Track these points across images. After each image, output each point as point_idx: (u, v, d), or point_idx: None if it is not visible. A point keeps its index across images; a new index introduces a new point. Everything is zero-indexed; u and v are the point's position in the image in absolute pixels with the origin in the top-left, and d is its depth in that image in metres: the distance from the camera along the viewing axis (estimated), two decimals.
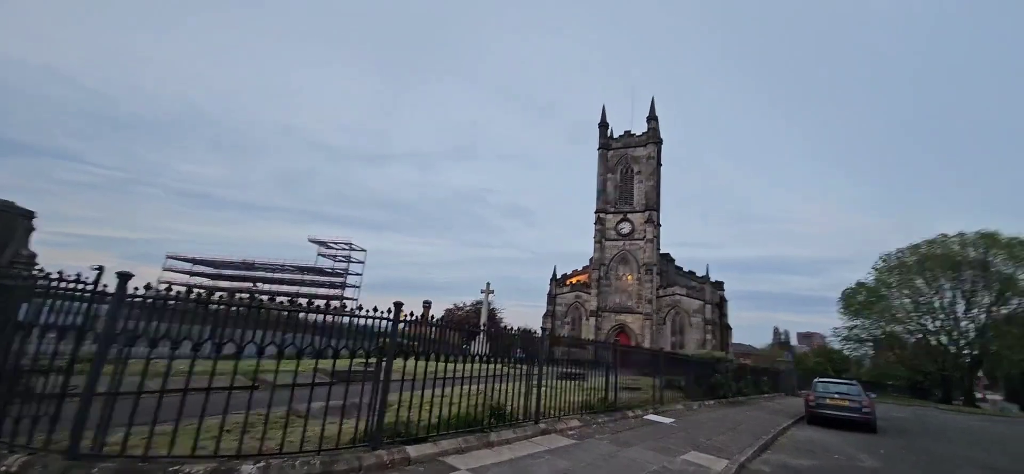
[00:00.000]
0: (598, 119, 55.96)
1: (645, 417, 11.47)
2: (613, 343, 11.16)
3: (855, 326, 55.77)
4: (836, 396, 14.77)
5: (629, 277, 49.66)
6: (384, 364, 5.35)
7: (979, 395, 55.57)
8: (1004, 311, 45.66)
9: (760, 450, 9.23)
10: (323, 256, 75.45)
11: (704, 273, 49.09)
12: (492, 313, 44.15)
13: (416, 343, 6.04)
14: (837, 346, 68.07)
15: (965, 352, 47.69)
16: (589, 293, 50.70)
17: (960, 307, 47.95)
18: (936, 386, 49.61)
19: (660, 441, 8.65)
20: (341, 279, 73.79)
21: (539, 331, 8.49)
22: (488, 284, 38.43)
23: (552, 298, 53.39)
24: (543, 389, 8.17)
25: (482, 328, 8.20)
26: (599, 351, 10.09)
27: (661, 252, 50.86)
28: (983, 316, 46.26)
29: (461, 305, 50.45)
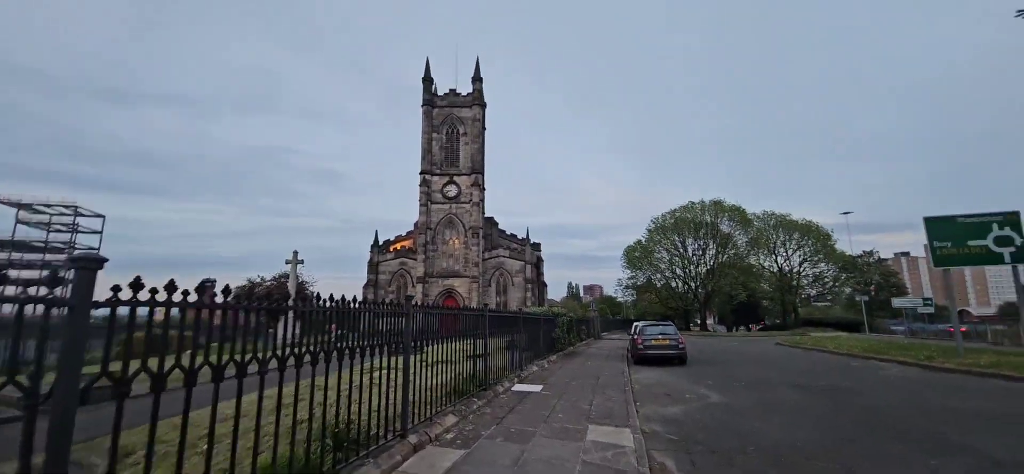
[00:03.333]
0: (421, 74, 52.35)
1: (513, 388, 10.00)
2: (485, 309, 9.15)
3: (633, 276, 68.82)
4: (659, 336, 16.27)
5: (456, 241, 48.86)
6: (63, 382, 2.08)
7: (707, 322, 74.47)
8: (722, 259, 61.80)
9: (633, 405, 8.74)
10: (27, 224, 52.40)
11: (524, 236, 51.93)
12: (302, 287, 37.45)
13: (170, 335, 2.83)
14: (615, 294, 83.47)
15: (699, 291, 63.18)
16: (415, 259, 48.08)
17: (697, 257, 63.16)
18: (679, 317, 64.09)
19: (550, 420, 7.17)
20: (65, 256, 52.60)
21: (400, 301, 5.81)
22: (296, 253, 32.11)
23: (374, 266, 48.84)
24: (411, 381, 5.59)
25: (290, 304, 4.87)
26: (467, 320, 7.96)
27: (486, 216, 51.53)
28: (711, 262, 61.78)
29: (258, 280, 41.45)
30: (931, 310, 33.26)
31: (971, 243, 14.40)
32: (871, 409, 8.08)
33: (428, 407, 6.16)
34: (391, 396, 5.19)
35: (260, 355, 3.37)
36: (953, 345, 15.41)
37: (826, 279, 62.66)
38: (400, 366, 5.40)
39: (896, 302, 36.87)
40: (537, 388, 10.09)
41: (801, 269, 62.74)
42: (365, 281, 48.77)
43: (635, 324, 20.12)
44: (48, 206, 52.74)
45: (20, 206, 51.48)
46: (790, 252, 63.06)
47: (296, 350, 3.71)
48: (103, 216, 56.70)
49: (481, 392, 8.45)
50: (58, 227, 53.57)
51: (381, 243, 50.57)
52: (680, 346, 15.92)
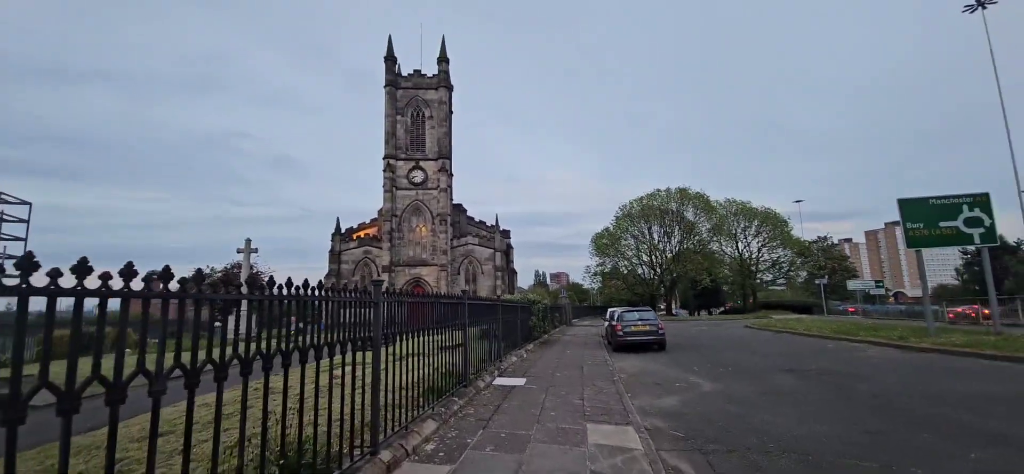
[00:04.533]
0: (383, 53, 49.81)
1: (495, 382, 9.10)
2: (465, 296, 8.15)
3: (601, 263, 69.40)
4: (638, 322, 15.80)
5: (423, 228, 47.21)
6: None
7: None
8: (687, 245, 63.11)
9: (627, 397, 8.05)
10: None
11: (493, 223, 50.89)
12: (256, 276, 35.00)
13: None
14: (582, 282, 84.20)
15: (665, 276, 64.38)
16: (380, 247, 46.10)
17: (662, 243, 64.27)
18: (645, 302, 65.00)
19: (543, 419, 6.32)
20: None
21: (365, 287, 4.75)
22: (248, 241, 29.82)
23: (336, 255, 46.49)
24: (382, 382, 4.55)
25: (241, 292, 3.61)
26: (444, 309, 6.94)
27: (454, 202, 50.07)
28: (676, 249, 62.99)
29: (207, 271, 38.44)
30: (882, 292, 34.98)
31: (942, 224, 14.71)
32: (879, 396, 7.70)
33: (403, 411, 5.14)
34: (358, 400, 4.15)
35: (217, 355, 2.61)
36: (917, 325, 15.77)
37: (783, 264, 65.29)
38: (369, 364, 4.35)
39: (850, 284, 38.60)
40: (520, 381, 9.23)
41: (760, 254, 65.06)
42: (326, 272, 46.39)
43: (612, 310, 19.66)
44: None
45: None
46: (750, 238, 65.24)
47: (258, 347, 2.91)
48: (29, 203, 51.03)
49: (461, 389, 7.49)
50: None
51: (343, 231, 48.16)
52: (659, 332, 15.52)
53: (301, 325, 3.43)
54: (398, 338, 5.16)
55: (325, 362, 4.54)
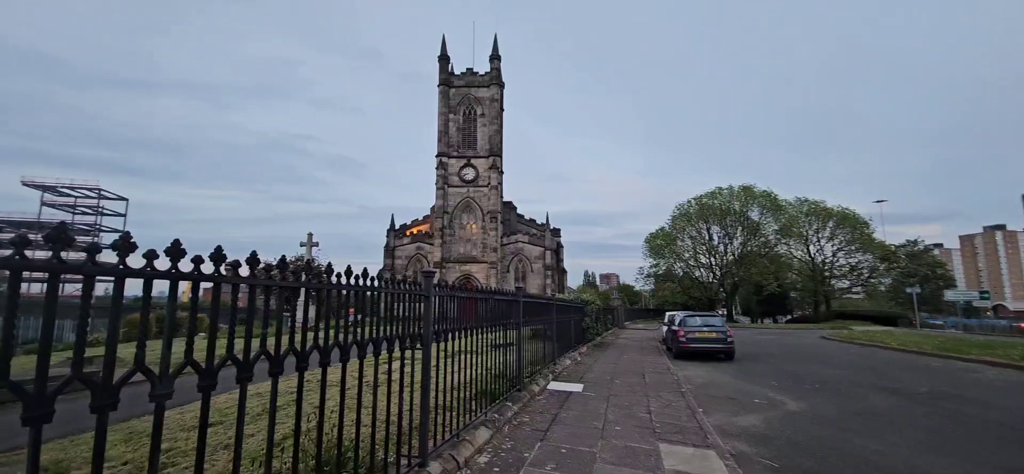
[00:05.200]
0: (437, 53, 50.63)
1: (549, 387, 8.53)
2: (519, 293, 7.64)
3: (655, 264, 66.60)
4: (705, 329, 14.57)
5: (473, 225, 47.48)
6: None
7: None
8: (750, 247, 58.99)
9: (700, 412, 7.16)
10: (52, 207, 52.96)
11: (543, 221, 50.25)
12: (317, 270, 36.68)
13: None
14: (633, 283, 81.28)
15: (726, 280, 60.62)
16: (432, 244, 46.90)
17: (723, 244, 60.51)
18: (702, 306, 61.61)
19: (607, 434, 5.65)
20: (90, 238, 53.03)
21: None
22: (310, 235, 31.28)
23: (390, 251, 47.89)
24: (430, 380, 4.11)
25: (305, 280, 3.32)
26: (497, 306, 6.44)
27: (504, 200, 49.96)
28: (739, 250, 59.08)
29: (271, 264, 40.88)
30: (987, 303, 30.53)
31: None
32: (1014, 428, 6.32)
33: (454, 416, 4.69)
34: (405, 402, 3.74)
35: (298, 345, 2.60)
36: None
37: (862, 270, 59.22)
38: (419, 363, 3.93)
39: (949, 295, 34.11)
40: (577, 388, 8.58)
41: (835, 259, 59.45)
42: (381, 266, 47.91)
43: (672, 314, 18.42)
44: (72, 189, 53.24)
45: (45, 188, 52.05)
46: (823, 241, 59.77)
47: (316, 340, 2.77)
48: (127, 199, 57.16)
49: (514, 393, 6.98)
50: (83, 209, 54.03)
51: (397, 227, 49.52)
52: (728, 339, 14.21)
53: (356, 318, 3.10)
54: (450, 336, 4.71)
55: (371, 359, 4.19)
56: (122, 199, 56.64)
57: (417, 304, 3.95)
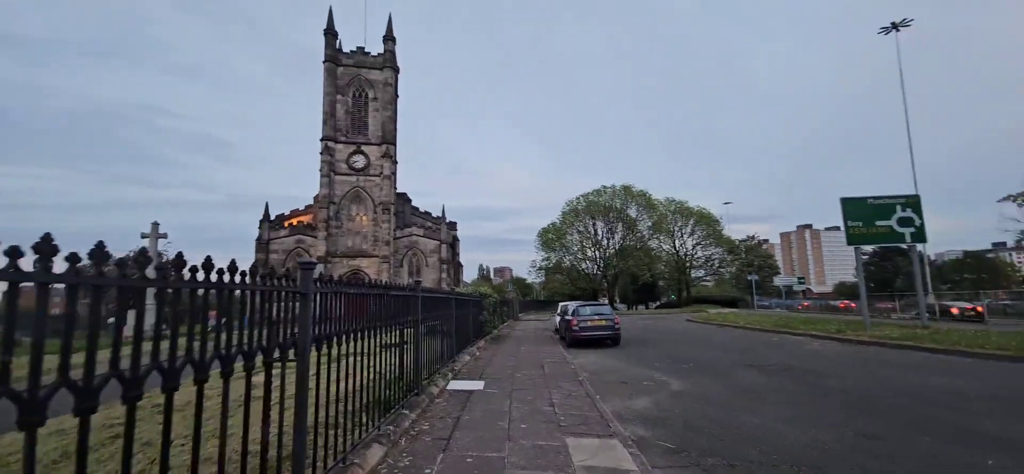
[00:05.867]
0: (323, 26, 46.09)
1: (449, 387, 7.97)
2: (418, 287, 6.91)
3: (546, 258, 69.75)
4: (595, 318, 15.28)
5: (363, 217, 44.38)
6: None
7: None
8: (628, 241, 64.98)
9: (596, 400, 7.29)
10: None
11: (439, 214, 49.07)
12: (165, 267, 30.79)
13: None
14: (526, 276, 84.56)
15: (608, 272, 65.96)
16: (315, 236, 42.70)
17: (606, 239, 65.75)
18: (587, 296, 66.19)
19: (513, 434, 5.32)
20: None
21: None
22: (156, 225, 26.16)
23: (264, 245, 42.44)
24: (308, 394, 3.28)
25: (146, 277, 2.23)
26: (393, 302, 5.68)
27: (398, 191, 47.62)
28: (619, 244, 64.68)
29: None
30: (805, 288, 37.81)
31: (878, 223, 15.57)
32: (852, 393, 7.50)
33: (340, 434, 3.89)
34: (278, 424, 2.89)
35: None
36: (842, 319, 16.52)
37: (714, 261, 69.25)
38: (295, 373, 3.09)
39: (777, 280, 41.46)
40: (479, 385, 8.17)
41: (694, 252, 68.53)
42: (252, 262, 42.21)
43: (565, 305, 19.09)
44: None
45: None
46: (685, 236, 68.47)
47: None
48: None
49: (412, 398, 6.29)
50: None
51: (273, 218, 44.07)
52: (615, 326, 15.11)
53: (219, 323, 2.19)
54: (335, 339, 3.88)
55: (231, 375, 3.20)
56: None
57: (291, 303, 3.10)
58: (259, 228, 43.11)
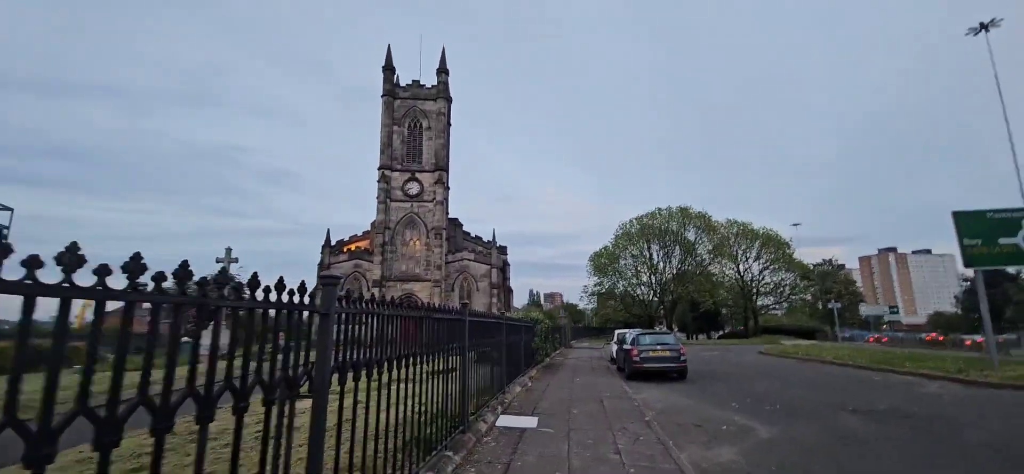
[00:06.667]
0: (382, 63, 48.58)
1: (499, 423, 7.21)
2: (465, 311, 6.32)
3: (598, 283, 67.49)
4: (658, 348, 13.95)
5: (416, 242, 45.28)
6: None
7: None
8: (687, 266, 61.51)
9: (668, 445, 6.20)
10: None
11: (490, 239, 49.10)
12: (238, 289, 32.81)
13: None
14: (577, 301, 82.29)
15: (666, 298, 62.60)
16: (371, 261, 44.05)
17: (662, 263, 62.63)
18: (643, 323, 63.06)
19: None
20: None
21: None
22: (229, 250, 27.90)
23: (324, 268, 44.31)
24: (325, 436, 2.70)
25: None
26: (437, 326, 5.10)
27: (450, 217, 48.33)
28: (676, 269, 61.36)
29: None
30: (897, 317, 33.39)
31: (1002, 241, 13.08)
32: (992, 447, 5.89)
33: None
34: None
35: None
36: (960, 355, 13.95)
37: (784, 287, 63.69)
38: (302, 414, 2.51)
39: (863, 310, 37.02)
40: (532, 422, 7.33)
41: (761, 277, 63.48)
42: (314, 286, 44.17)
43: (623, 332, 17.81)
44: None
45: None
46: (750, 260, 63.71)
47: None
48: (11, 209, 48.69)
49: (457, 436, 5.60)
50: None
51: (334, 244, 46.12)
52: (681, 358, 13.67)
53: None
54: (365, 370, 3.30)
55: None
56: (6, 209, 48.25)
57: (307, 325, 2.56)
58: (321, 253, 45.21)
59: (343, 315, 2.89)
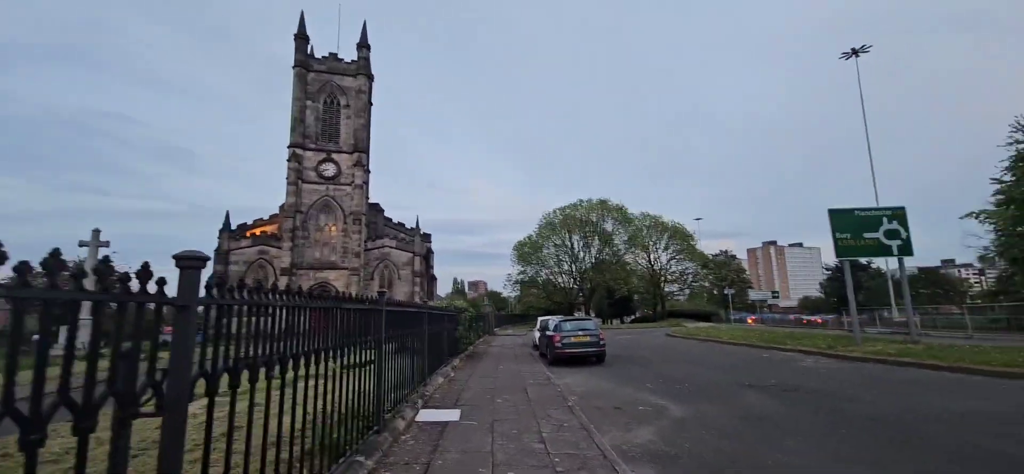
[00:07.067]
0: (294, 31, 44.35)
1: (419, 418, 6.75)
2: (382, 299, 5.74)
3: (522, 271, 68.74)
4: (579, 333, 14.31)
5: (333, 228, 42.34)
6: None
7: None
8: (604, 255, 64.82)
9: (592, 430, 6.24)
10: None
11: (412, 226, 47.48)
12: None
13: None
14: (501, 290, 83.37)
15: (584, 285, 65.49)
16: (280, 247, 40.36)
17: (582, 253, 65.39)
18: (563, 310, 65.31)
19: None
20: None
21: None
22: (97, 232, 23.92)
23: (224, 255, 39.79)
24: (182, 456, 2.11)
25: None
26: (348, 319, 4.51)
27: (370, 202, 45.88)
28: (595, 258, 64.40)
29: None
30: (778, 301, 38.12)
31: (866, 235, 15.27)
32: (883, 421, 6.57)
33: None
34: None
35: None
36: (824, 333, 16.07)
37: (688, 275, 69.80)
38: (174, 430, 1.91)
39: (752, 295, 41.75)
40: (454, 415, 6.97)
41: (668, 266, 68.91)
42: (210, 274, 39.44)
43: (546, 319, 18.07)
44: None
45: None
46: (660, 251, 68.84)
47: None
48: None
49: (370, 438, 5.06)
50: None
51: (235, 228, 41.47)
52: (600, 342, 14.16)
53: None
54: (251, 370, 2.69)
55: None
56: None
57: (154, 319, 1.94)
58: (219, 238, 40.46)
59: (213, 307, 2.28)
